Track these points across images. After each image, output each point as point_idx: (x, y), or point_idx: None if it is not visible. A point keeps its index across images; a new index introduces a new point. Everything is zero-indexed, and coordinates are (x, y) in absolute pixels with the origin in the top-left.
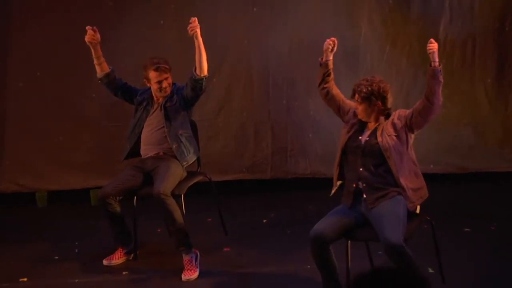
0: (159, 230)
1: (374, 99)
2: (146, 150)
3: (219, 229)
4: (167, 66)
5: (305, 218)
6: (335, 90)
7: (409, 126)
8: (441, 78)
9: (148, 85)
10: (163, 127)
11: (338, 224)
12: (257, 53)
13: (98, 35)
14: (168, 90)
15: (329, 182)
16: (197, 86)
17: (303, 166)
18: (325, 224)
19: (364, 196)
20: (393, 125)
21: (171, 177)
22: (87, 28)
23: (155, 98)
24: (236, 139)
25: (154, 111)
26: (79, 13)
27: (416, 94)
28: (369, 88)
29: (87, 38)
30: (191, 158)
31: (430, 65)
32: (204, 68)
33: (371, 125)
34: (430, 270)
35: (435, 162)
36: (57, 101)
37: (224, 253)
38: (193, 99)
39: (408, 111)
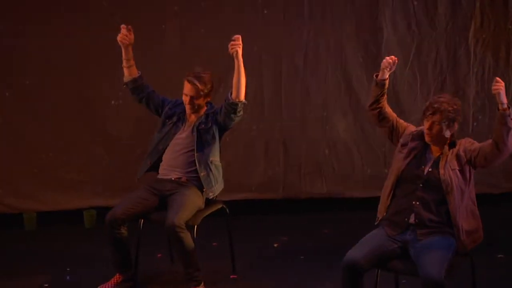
0: (159, 256)
1: (455, 122)
2: (168, 171)
3: (225, 254)
4: (196, 83)
5: (320, 242)
6: (388, 109)
7: (473, 163)
8: (510, 124)
9: None
10: (192, 150)
11: (376, 253)
12: (268, 61)
13: (132, 35)
14: (190, 108)
15: (346, 203)
16: (231, 110)
17: (318, 185)
18: (362, 252)
19: (415, 230)
20: (458, 157)
21: (188, 208)
22: (121, 26)
23: (187, 115)
24: (245, 155)
25: (185, 130)
26: (74, 17)
27: None
28: (454, 108)
29: (119, 38)
30: (218, 188)
31: (498, 109)
32: (241, 92)
33: (434, 153)
34: None
35: None
36: (47, 113)
37: (231, 282)
38: (227, 125)
39: (474, 145)
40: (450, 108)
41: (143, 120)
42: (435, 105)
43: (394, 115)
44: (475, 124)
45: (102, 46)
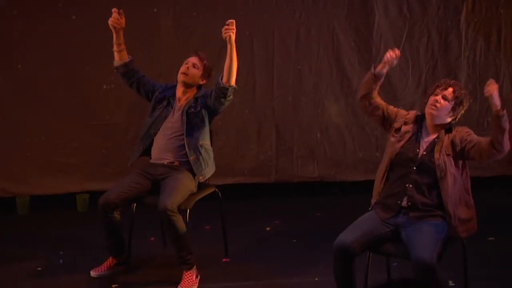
0: (152, 239)
1: (461, 107)
2: (160, 155)
3: (218, 238)
4: (202, 55)
5: (312, 226)
6: (378, 99)
7: (466, 154)
8: (505, 125)
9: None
10: (182, 134)
11: (368, 237)
12: (260, 44)
13: (123, 19)
14: (183, 77)
15: (338, 186)
16: (221, 95)
17: (310, 169)
18: (354, 236)
19: (407, 213)
20: (453, 144)
21: (180, 192)
22: (113, 10)
23: (177, 99)
24: (237, 139)
25: (175, 114)
26: (64, 1)
27: None
28: (465, 93)
29: (110, 21)
30: (208, 172)
31: (493, 110)
32: (232, 77)
33: (429, 136)
34: (451, 284)
35: None
36: (39, 97)
37: (223, 265)
38: (216, 109)
39: (471, 137)
40: (462, 91)
41: (135, 104)
42: (450, 82)
43: (384, 103)
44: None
45: (95, 30)
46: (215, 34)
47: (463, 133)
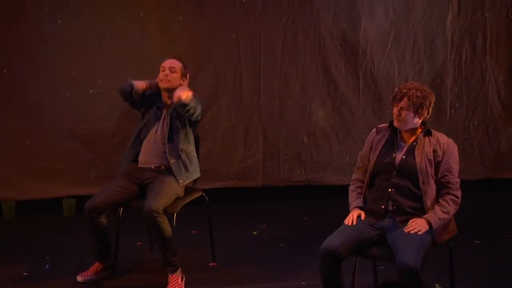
0: (139, 244)
1: (424, 108)
2: (147, 160)
3: (205, 242)
4: (178, 58)
5: (299, 230)
6: (364, 176)
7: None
8: (439, 224)
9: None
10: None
11: (355, 241)
12: (247, 48)
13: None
14: (165, 83)
15: (325, 190)
16: (182, 111)
17: (297, 172)
18: (340, 240)
19: (394, 217)
20: (435, 151)
21: (166, 194)
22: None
23: (164, 104)
24: (224, 143)
25: (162, 118)
26: (51, 6)
27: None
28: (423, 94)
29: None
30: (189, 177)
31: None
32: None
33: (407, 140)
34: (438, 287)
35: None
36: (25, 101)
37: (210, 269)
38: (191, 120)
39: (448, 163)
40: (418, 94)
41: (121, 109)
42: (403, 91)
43: (366, 163)
44: (452, 111)
45: (80, 34)
46: (202, 37)
47: (450, 160)
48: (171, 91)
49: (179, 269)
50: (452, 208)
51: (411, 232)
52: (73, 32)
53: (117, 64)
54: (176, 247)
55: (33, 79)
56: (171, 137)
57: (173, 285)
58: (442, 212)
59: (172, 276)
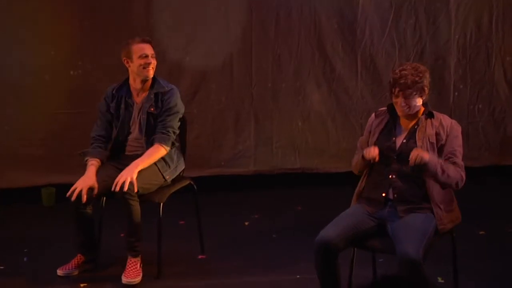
0: (122, 235)
1: (425, 89)
2: (134, 147)
3: (193, 233)
4: (151, 46)
5: (293, 220)
6: None
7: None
8: (435, 176)
9: (128, 66)
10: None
11: (353, 232)
12: (237, 27)
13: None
14: (152, 72)
15: (321, 178)
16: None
17: (291, 159)
18: (337, 231)
19: (395, 205)
20: (438, 134)
21: (143, 178)
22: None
23: (134, 97)
24: (213, 128)
25: (136, 112)
26: None
27: None
28: (419, 76)
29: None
30: (173, 172)
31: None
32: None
33: (408, 123)
34: (440, 280)
35: None
36: (2, 84)
37: (199, 262)
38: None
39: (452, 146)
40: (417, 78)
41: (103, 92)
42: (401, 81)
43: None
44: (456, 94)
45: (59, 12)
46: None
47: (453, 130)
48: (148, 80)
49: (140, 255)
50: (453, 173)
51: (416, 161)
52: (51, 9)
53: (99, 43)
54: (141, 233)
55: (10, 61)
56: (149, 132)
57: (131, 268)
58: (442, 166)
59: (131, 259)
